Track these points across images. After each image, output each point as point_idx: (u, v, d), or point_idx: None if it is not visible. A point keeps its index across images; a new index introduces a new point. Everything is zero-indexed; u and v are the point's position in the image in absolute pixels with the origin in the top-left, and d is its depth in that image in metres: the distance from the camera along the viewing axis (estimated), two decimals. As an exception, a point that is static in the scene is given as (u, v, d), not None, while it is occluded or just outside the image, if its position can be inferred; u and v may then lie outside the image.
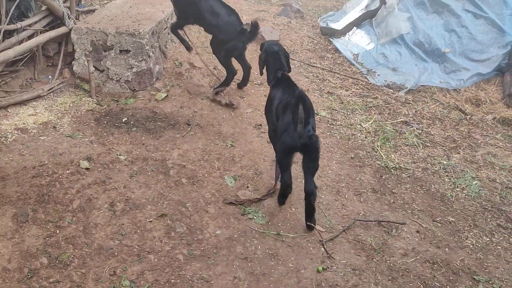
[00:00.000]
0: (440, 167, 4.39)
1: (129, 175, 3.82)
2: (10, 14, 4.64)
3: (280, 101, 3.61)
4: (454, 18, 6.37)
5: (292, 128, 3.32)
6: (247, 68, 5.26)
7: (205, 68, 5.60)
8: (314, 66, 6.31)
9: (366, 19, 7.28)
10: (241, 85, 5.38)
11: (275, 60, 3.90)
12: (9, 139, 4.08)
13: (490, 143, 4.89)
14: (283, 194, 3.64)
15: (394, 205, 3.83)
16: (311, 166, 3.43)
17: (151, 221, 3.38)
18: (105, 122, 4.55)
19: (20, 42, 4.75)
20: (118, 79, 5.07)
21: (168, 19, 5.62)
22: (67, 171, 3.75)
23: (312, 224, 3.44)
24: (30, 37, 4.90)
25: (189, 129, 4.58)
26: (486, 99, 5.61)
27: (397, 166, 4.33)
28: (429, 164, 4.43)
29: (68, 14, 5.18)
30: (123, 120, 4.61)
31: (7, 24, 4.59)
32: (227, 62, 5.10)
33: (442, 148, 4.72)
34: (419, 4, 6.68)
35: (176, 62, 5.65)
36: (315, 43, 7.11)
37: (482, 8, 6.23)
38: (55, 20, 5.21)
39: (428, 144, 4.77)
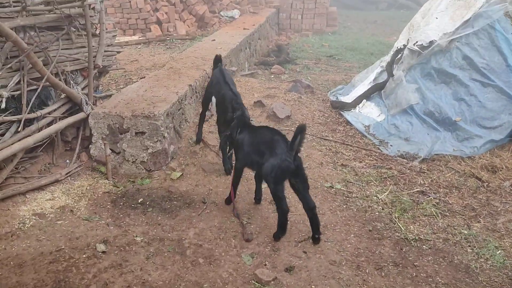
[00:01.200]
0: (462, 237, 4.30)
1: (146, 256, 3.79)
2: (31, 104, 4.83)
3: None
4: (462, 88, 6.48)
5: (286, 156, 3.83)
6: None
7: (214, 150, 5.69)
8: (327, 139, 6.39)
9: (375, 91, 7.44)
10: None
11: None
12: (27, 225, 4.12)
13: (510, 210, 4.80)
14: (285, 221, 4.09)
15: (417, 278, 3.73)
16: (306, 186, 3.99)
17: (168, 304, 3.32)
18: (121, 203, 4.59)
19: (40, 129, 4.90)
20: (134, 160, 5.16)
21: (182, 100, 5.80)
22: (84, 255, 3.75)
23: (318, 236, 4.05)
24: (49, 123, 5.06)
25: (204, 207, 4.59)
26: (502, 166, 5.58)
27: (417, 237, 4.26)
28: (450, 235, 4.34)
29: (86, 100, 5.39)
30: (139, 200, 4.65)
31: (28, 113, 4.76)
32: None
33: (461, 217, 4.65)
34: (426, 76, 6.83)
35: (190, 141, 5.76)
36: (326, 117, 7.23)
37: (489, 77, 6.34)
38: (74, 106, 5.40)
39: (447, 214, 4.71)
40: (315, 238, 4.05)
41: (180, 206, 4.59)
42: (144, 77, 7.17)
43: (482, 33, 6.60)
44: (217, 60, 5.74)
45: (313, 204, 3.98)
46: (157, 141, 5.13)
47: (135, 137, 5.15)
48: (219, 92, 5.30)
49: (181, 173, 5.19)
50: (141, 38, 12.26)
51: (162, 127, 5.12)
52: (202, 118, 5.86)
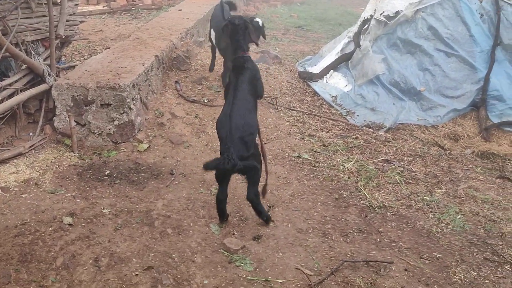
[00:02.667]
0: (424, 204, 4.43)
1: (114, 228, 3.78)
2: (-10, 74, 4.69)
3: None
4: (427, 58, 6.58)
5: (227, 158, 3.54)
6: None
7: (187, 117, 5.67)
8: (294, 110, 6.42)
9: (342, 62, 7.48)
10: None
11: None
12: (-10, 199, 4.04)
13: (471, 177, 4.97)
14: (219, 207, 3.90)
15: (381, 244, 3.84)
16: (254, 181, 3.82)
17: (137, 274, 3.33)
18: (87, 176, 4.54)
19: (1, 101, 4.76)
20: (100, 132, 5.10)
21: (148, 71, 5.72)
22: (50, 228, 3.71)
23: (265, 218, 3.93)
24: (10, 95, 4.92)
25: (172, 178, 4.59)
26: (464, 134, 5.75)
27: (381, 204, 4.36)
28: (413, 201, 4.47)
29: (48, 71, 5.25)
30: (106, 173, 4.61)
31: (-13, 84, 4.62)
32: None
33: (424, 184, 4.78)
34: (392, 46, 6.89)
35: (157, 112, 5.71)
36: (294, 87, 7.25)
37: (452, 47, 6.45)
38: (36, 77, 5.26)
39: (411, 181, 4.83)
40: (265, 220, 3.95)
41: (148, 178, 4.57)
42: (109, 48, 7.02)
43: (446, 3, 6.68)
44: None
45: (251, 197, 3.84)
46: (123, 113, 5.07)
47: (101, 109, 5.06)
48: (217, 26, 5.82)
49: (148, 145, 5.15)
50: (106, 7, 11.91)
51: (128, 99, 5.04)
52: (213, 51, 6.81)
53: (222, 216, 3.95)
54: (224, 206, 3.92)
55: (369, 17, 7.49)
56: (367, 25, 7.41)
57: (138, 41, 6.81)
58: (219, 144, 3.93)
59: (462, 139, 5.71)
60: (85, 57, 7.01)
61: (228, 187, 3.90)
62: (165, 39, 6.99)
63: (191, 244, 3.68)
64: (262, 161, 4.07)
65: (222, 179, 3.84)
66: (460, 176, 4.99)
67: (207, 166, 3.62)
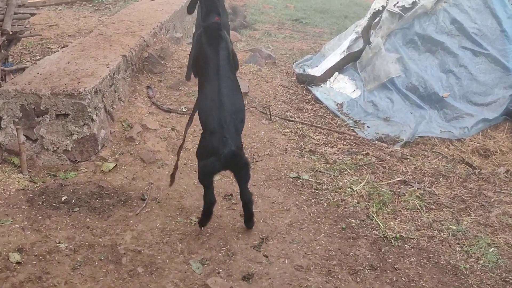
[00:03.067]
0: (449, 234, 4.45)
1: (71, 267, 3.75)
2: None
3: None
4: (451, 57, 6.66)
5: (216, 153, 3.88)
6: None
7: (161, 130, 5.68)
8: (292, 121, 6.45)
9: (349, 62, 7.54)
10: None
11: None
12: None
13: (505, 201, 5.00)
14: (207, 210, 4.16)
15: (397, 283, 3.84)
16: (244, 178, 4.14)
17: (100, 324, 3.31)
18: (40, 202, 4.51)
19: None
20: (55, 149, 5.08)
21: (114, 74, 5.73)
22: (-7, 267, 3.68)
23: (251, 225, 4.29)
24: None
25: (144, 205, 4.57)
26: (496, 149, 5.79)
27: (398, 235, 4.38)
28: (436, 231, 4.49)
29: (-8, 74, 5.25)
30: (63, 198, 4.58)
31: None
32: None
33: (449, 210, 4.81)
34: (408, 43, 6.98)
35: (125, 124, 5.70)
36: (291, 93, 7.29)
37: (481, 45, 6.54)
38: (-23, 82, 5.25)
39: (433, 207, 4.85)
40: (247, 226, 4.33)
41: (114, 205, 4.55)
42: (66, 46, 7.02)
43: (473, -8, 6.78)
44: None
45: (248, 198, 4.20)
46: (83, 125, 5.06)
47: (56, 121, 5.05)
48: None
49: (114, 164, 5.14)
50: (63, -4, 11.95)
51: (89, 108, 5.04)
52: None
53: (209, 216, 4.20)
54: (213, 209, 4.19)
55: (380, 8, 7.58)
56: (378, 18, 7.50)
57: (102, 37, 6.82)
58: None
59: (494, 155, 5.76)
60: (38, 57, 7.02)
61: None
62: (135, 36, 7.02)
63: (167, 286, 3.66)
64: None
65: (210, 181, 4.10)
66: (492, 200, 5.02)
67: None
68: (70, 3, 11.69)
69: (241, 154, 4.04)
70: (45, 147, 5.09)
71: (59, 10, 11.08)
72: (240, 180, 4.13)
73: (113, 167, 5.10)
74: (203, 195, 4.13)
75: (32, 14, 6.34)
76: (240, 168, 4.03)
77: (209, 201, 4.11)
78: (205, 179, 4.06)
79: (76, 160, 5.12)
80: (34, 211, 4.39)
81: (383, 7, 7.49)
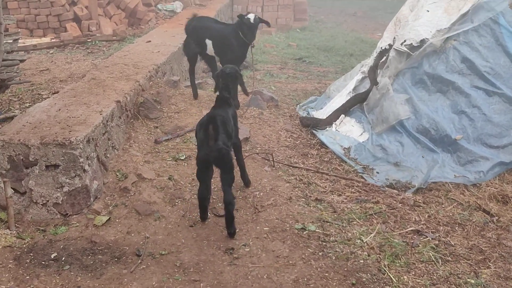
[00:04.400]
0: (468, 288, 4.39)
1: (61, 331, 3.70)
2: None
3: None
4: (463, 98, 6.69)
5: (205, 144, 4.80)
6: None
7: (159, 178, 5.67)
8: (296, 167, 6.44)
9: (355, 104, 7.58)
10: None
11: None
12: None
13: (527, 251, 4.94)
14: (201, 206, 5.11)
15: None
16: (226, 178, 4.87)
17: None
18: (28, 260, 4.48)
19: None
20: (44, 202, 5.07)
21: (107, 121, 5.75)
22: (-23, 333, 3.62)
23: (232, 231, 4.90)
24: None
25: (139, 261, 4.53)
26: (515, 194, 5.76)
27: (412, 290, 4.31)
28: (453, 285, 4.42)
29: (-21, 124, 5.27)
30: (52, 256, 4.55)
31: None
32: None
33: (467, 262, 4.74)
34: (418, 83, 7.02)
35: (119, 174, 5.70)
36: (295, 138, 7.30)
37: (494, 84, 6.57)
38: (-38, 132, 5.27)
39: (449, 258, 4.79)
40: (228, 233, 4.94)
41: (107, 261, 4.51)
42: (57, 92, 7.08)
43: (483, 29, 6.86)
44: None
45: (228, 199, 4.80)
46: (75, 176, 5.06)
47: (46, 172, 5.06)
48: (214, 35, 7.53)
49: (108, 217, 5.11)
50: (54, 40, 12.14)
51: (81, 158, 5.05)
52: (192, 75, 8.01)
53: (205, 213, 5.15)
54: (208, 204, 5.18)
55: (387, 47, 7.66)
56: (385, 57, 7.58)
57: (95, 82, 6.89)
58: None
59: (513, 201, 5.72)
60: (27, 104, 7.07)
61: (210, 184, 5.20)
62: (130, 79, 7.09)
63: None
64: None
65: (204, 174, 5.00)
66: (512, 250, 4.97)
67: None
68: (62, 46, 11.87)
69: (228, 151, 4.88)
70: (34, 201, 5.07)
71: (51, 53, 11.24)
72: (222, 178, 4.89)
73: (106, 221, 5.07)
74: (198, 193, 5.07)
75: (22, 60, 6.41)
76: (224, 164, 4.85)
77: (200, 197, 5.04)
78: (199, 169, 4.99)
79: (67, 214, 5.10)
80: (22, 270, 4.36)
81: (390, 45, 7.58)
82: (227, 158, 4.84)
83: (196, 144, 5.17)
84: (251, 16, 7.00)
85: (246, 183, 5.82)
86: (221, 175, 4.91)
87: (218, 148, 4.75)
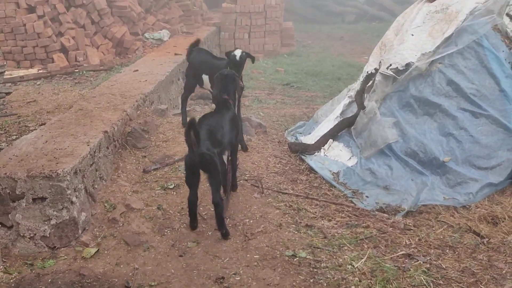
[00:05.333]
0: (460, 312, 4.37)
1: None
2: None
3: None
4: (450, 120, 6.74)
5: (190, 149, 5.04)
6: None
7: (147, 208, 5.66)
8: (286, 193, 6.43)
9: (343, 128, 7.62)
10: None
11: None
12: None
13: (518, 273, 4.94)
14: (190, 212, 5.36)
15: None
16: (213, 181, 5.14)
17: None
18: (15, 296, 4.43)
19: None
20: (32, 235, 5.03)
21: (95, 152, 5.75)
22: None
23: (224, 232, 5.27)
24: None
25: (128, 293, 4.50)
26: (504, 215, 5.76)
27: (404, 316, 4.30)
28: (446, 309, 4.41)
29: (-36, 158, 5.25)
30: (40, 290, 4.51)
31: None
32: None
33: (458, 285, 4.73)
34: (405, 106, 7.07)
35: (107, 205, 5.69)
36: (283, 164, 7.31)
37: (480, 106, 6.63)
38: None
39: (441, 282, 4.78)
40: (222, 234, 5.31)
41: (96, 295, 4.48)
42: (44, 124, 7.07)
43: (468, 51, 6.93)
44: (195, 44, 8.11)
45: (216, 200, 5.12)
46: (62, 209, 5.03)
47: (33, 205, 5.03)
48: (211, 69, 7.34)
49: (96, 249, 5.08)
50: (41, 71, 12.14)
51: (68, 190, 5.03)
52: (184, 102, 8.23)
53: (194, 220, 5.41)
54: (196, 209, 5.40)
55: (373, 71, 7.73)
56: (371, 82, 7.63)
57: (82, 113, 6.90)
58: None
59: (503, 221, 5.72)
60: (14, 137, 7.05)
61: (197, 190, 5.31)
62: (117, 109, 7.10)
63: None
64: None
65: (191, 179, 5.20)
66: (504, 271, 4.95)
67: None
68: (50, 77, 11.88)
69: (211, 155, 5.08)
70: (21, 234, 5.04)
71: (38, 85, 11.24)
72: (209, 182, 5.18)
73: (95, 253, 5.04)
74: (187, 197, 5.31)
75: (8, 93, 6.43)
76: (208, 167, 5.09)
77: (188, 201, 5.30)
78: (186, 174, 5.19)
79: (55, 247, 5.06)
80: (9, 305, 4.31)
81: (376, 70, 7.64)
82: (210, 163, 5.07)
83: None
84: (238, 53, 7.03)
85: (232, 186, 6.14)
86: (208, 179, 5.17)
87: (200, 153, 5.00)
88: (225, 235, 5.28)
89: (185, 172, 5.25)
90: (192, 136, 4.93)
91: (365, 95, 7.63)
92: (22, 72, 12.00)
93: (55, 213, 5.02)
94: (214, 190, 5.12)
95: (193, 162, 5.06)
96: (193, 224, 5.42)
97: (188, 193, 5.28)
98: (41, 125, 7.20)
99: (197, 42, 8.25)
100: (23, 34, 12.54)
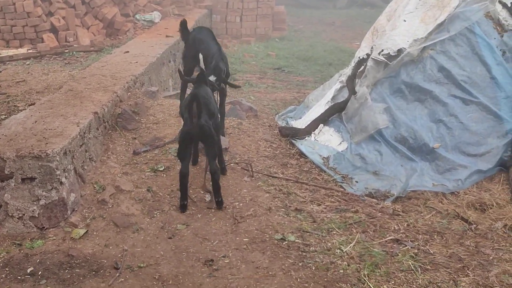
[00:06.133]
0: (447, 296, 4.40)
1: None
2: None
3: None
4: (440, 106, 6.75)
5: (189, 121, 5.31)
6: None
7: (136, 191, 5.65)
8: (276, 177, 6.44)
9: (334, 113, 7.61)
10: None
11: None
12: None
13: (505, 259, 4.97)
14: (182, 185, 5.46)
15: None
16: (210, 151, 5.48)
17: None
18: (3, 275, 4.41)
19: None
20: (20, 215, 5.01)
21: (84, 133, 5.71)
22: None
23: (220, 200, 5.54)
24: None
25: (117, 274, 4.48)
26: (492, 202, 5.80)
27: (392, 300, 4.32)
28: (433, 294, 4.44)
29: (-47, 137, 5.21)
30: (28, 270, 4.49)
31: None
32: None
33: (446, 270, 4.76)
34: (396, 92, 7.07)
35: (97, 186, 5.66)
36: (274, 148, 7.31)
37: (471, 93, 6.64)
38: None
39: (429, 267, 4.80)
40: (216, 201, 5.57)
41: (85, 275, 4.46)
42: (33, 104, 7.02)
43: (460, 38, 6.94)
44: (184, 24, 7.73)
45: (213, 169, 5.46)
46: (51, 189, 5.01)
47: (22, 185, 5.00)
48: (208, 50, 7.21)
49: (85, 230, 5.07)
50: (31, 51, 12.05)
51: (58, 170, 5.01)
52: (184, 86, 7.67)
53: (184, 195, 5.51)
54: (187, 183, 5.56)
55: (365, 56, 7.71)
56: (363, 67, 7.62)
57: (72, 93, 6.85)
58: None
59: (491, 208, 5.76)
60: (3, 116, 6.98)
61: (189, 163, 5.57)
62: (107, 91, 7.06)
63: None
64: None
65: (185, 152, 5.44)
66: (491, 257, 4.99)
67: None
68: (39, 57, 11.78)
69: (209, 126, 5.40)
70: (10, 214, 5.01)
71: (27, 64, 11.15)
72: (207, 152, 5.53)
73: (83, 234, 5.02)
74: (179, 170, 5.44)
75: (-3, 72, 6.35)
76: (206, 138, 5.41)
77: (180, 173, 5.42)
78: (181, 146, 5.41)
79: (44, 227, 5.04)
80: (-3, 285, 4.30)
81: (368, 55, 7.62)
82: (209, 133, 5.39)
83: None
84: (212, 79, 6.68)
85: (222, 170, 6.22)
86: (205, 149, 5.55)
87: (201, 124, 5.29)
88: (219, 204, 5.53)
89: (179, 144, 5.43)
90: (195, 108, 5.24)
91: (357, 80, 7.61)
92: (11, 52, 11.90)
93: (44, 193, 5.00)
94: (212, 159, 5.46)
95: (191, 133, 5.35)
96: (183, 202, 5.50)
97: (180, 166, 5.44)
98: (31, 105, 7.15)
99: (184, 22, 7.90)
100: (13, 13, 12.41)
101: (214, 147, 5.55)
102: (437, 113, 6.75)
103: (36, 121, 5.77)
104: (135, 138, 6.80)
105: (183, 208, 5.49)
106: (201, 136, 5.43)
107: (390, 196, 6.13)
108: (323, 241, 5.17)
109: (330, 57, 14.31)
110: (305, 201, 5.97)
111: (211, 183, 5.60)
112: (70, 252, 4.74)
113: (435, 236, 5.34)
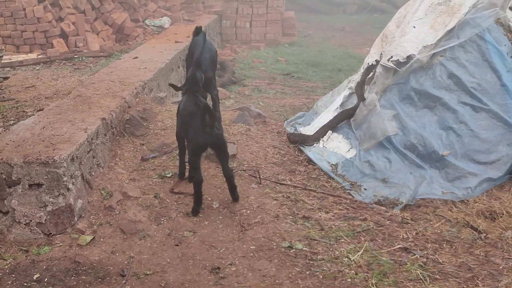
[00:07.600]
0: (456, 307, 4.36)
1: None
2: None
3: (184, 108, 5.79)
4: (450, 113, 6.70)
5: (202, 131, 5.41)
6: None
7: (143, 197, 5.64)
8: (284, 184, 6.41)
9: (342, 120, 7.58)
10: None
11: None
12: None
13: (515, 269, 4.92)
14: (199, 192, 5.55)
15: None
16: (224, 157, 5.63)
17: None
18: (9, 282, 4.41)
19: None
20: (27, 222, 5.01)
21: (92, 139, 5.71)
22: None
23: (236, 196, 5.82)
24: None
25: (123, 281, 4.47)
26: (502, 211, 5.74)
27: (400, 310, 4.28)
28: (442, 304, 4.39)
29: (-39, 142, 5.22)
30: (35, 277, 4.49)
31: None
32: None
33: (455, 280, 4.71)
34: (405, 99, 7.03)
35: (104, 192, 5.66)
36: (282, 154, 7.28)
37: (481, 100, 6.59)
38: None
39: (437, 277, 4.76)
40: (233, 198, 5.85)
41: (91, 282, 4.46)
42: (42, 109, 7.03)
43: (470, 45, 6.89)
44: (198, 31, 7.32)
45: (228, 172, 5.70)
46: (58, 195, 5.01)
47: (29, 191, 5.01)
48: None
49: (92, 237, 5.06)
50: (41, 56, 12.08)
51: (65, 176, 5.01)
52: None
53: (201, 200, 5.63)
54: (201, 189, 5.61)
55: (374, 63, 7.68)
56: (372, 73, 7.59)
57: (81, 99, 6.86)
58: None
59: (501, 217, 5.70)
60: (11, 122, 7.00)
61: None
62: (116, 96, 7.06)
63: None
64: None
65: (199, 161, 5.60)
66: (501, 267, 4.93)
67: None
68: (49, 62, 11.81)
69: (222, 134, 5.72)
70: (17, 220, 5.02)
71: (37, 70, 11.18)
72: (221, 158, 5.64)
73: (90, 240, 5.02)
74: (194, 178, 5.52)
75: (6, 78, 6.37)
76: (220, 146, 5.57)
77: (197, 181, 5.49)
78: (195, 156, 5.54)
79: (51, 233, 5.05)
80: (3, 292, 4.29)
81: (377, 61, 7.60)
82: (224, 141, 5.64)
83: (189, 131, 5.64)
84: None
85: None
86: (219, 155, 5.66)
87: (217, 133, 5.50)
88: (236, 199, 5.82)
89: (193, 154, 5.55)
90: (208, 118, 5.38)
91: (366, 86, 7.58)
92: (21, 57, 11.93)
93: (51, 199, 5.00)
94: (226, 164, 5.65)
95: (207, 143, 5.50)
96: (199, 208, 5.61)
97: (196, 175, 5.51)
98: (39, 110, 7.16)
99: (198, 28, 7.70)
100: (23, 18, 12.46)
101: (227, 151, 5.70)
102: (447, 120, 6.70)
103: (44, 127, 5.77)
104: (143, 144, 6.79)
105: (195, 212, 5.58)
106: (217, 144, 5.57)
107: (399, 204, 6.08)
108: (331, 249, 5.14)
109: (339, 63, 14.27)
110: (313, 209, 5.94)
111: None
112: (76, 259, 4.74)
113: (444, 245, 5.29)
